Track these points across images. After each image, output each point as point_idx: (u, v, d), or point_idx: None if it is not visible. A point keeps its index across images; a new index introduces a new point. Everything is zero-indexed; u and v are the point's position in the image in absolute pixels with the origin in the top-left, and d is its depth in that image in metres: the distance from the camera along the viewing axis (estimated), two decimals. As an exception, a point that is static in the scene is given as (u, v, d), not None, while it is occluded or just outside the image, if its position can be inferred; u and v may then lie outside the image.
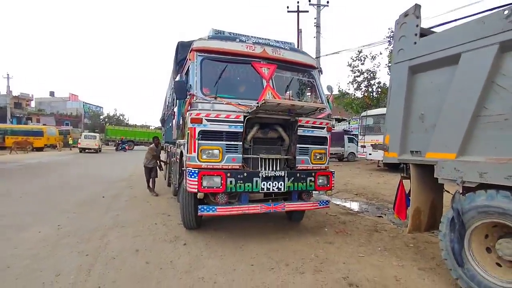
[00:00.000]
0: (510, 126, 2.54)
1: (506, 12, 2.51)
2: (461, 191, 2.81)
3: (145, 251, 3.78)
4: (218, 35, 4.52)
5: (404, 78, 3.43)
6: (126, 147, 32.33)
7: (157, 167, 8.00)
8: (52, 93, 56.47)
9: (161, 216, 5.47)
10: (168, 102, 8.12)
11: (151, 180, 7.75)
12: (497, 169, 2.52)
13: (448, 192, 3.45)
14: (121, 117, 54.60)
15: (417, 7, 3.31)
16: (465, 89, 2.80)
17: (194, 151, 3.89)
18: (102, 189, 8.23)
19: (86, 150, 26.43)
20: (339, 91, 20.60)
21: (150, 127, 52.79)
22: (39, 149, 26.22)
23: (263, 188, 4.02)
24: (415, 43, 3.31)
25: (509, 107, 2.53)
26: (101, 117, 53.73)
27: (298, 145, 4.36)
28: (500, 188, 2.52)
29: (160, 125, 20.43)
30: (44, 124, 35.29)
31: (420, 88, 3.35)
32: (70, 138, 31.29)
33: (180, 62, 5.78)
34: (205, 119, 3.91)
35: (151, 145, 8.06)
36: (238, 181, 3.89)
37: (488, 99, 2.67)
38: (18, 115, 41.64)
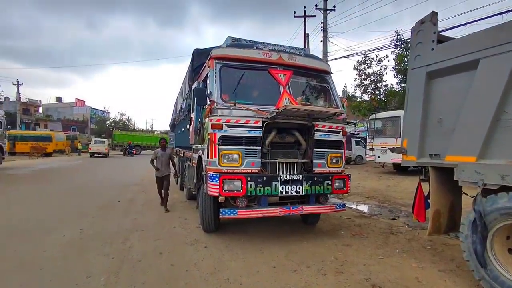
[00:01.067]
0: (530, 129, 2.61)
1: (525, 19, 2.59)
2: (481, 194, 2.87)
3: (169, 253, 3.88)
4: (236, 43, 4.65)
5: (421, 84, 3.51)
6: (134, 151, 32.64)
7: (172, 175, 6.84)
8: (59, 99, 57.36)
9: (178, 220, 5.58)
10: (181, 107, 8.26)
11: (163, 192, 6.57)
12: (518, 171, 2.59)
13: (466, 194, 3.51)
14: (127, 122, 55.14)
15: (434, 14, 3.40)
16: (484, 93, 2.87)
17: (215, 156, 4.00)
18: (117, 193, 8.37)
19: (95, 155, 27.03)
20: (346, 94, 20.67)
21: (156, 132, 53.20)
22: (48, 155, 26.64)
23: (282, 192, 4.12)
24: (433, 49, 3.39)
25: (529, 111, 2.60)
26: (107, 122, 54.32)
27: (314, 149, 4.45)
28: (522, 190, 2.58)
29: (167, 129, 20.73)
30: (51, 130, 35.82)
31: (437, 93, 3.42)
32: (79, 144, 31.77)
33: (196, 69, 5.93)
34: (225, 125, 4.02)
35: (157, 150, 6.73)
36: (258, 185, 3.99)
37: (507, 103, 2.74)
38: (26, 121, 42.32)
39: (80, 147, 31.31)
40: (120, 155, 32.01)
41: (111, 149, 33.28)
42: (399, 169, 13.76)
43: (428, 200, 3.59)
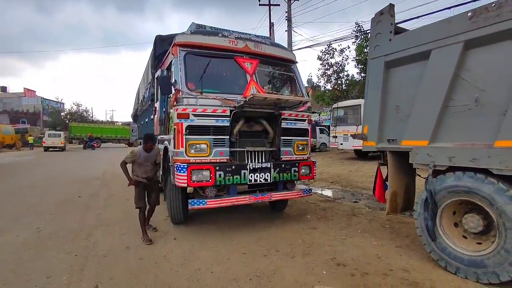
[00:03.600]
0: (473, 115, 2.89)
1: (469, 13, 2.83)
2: (432, 174, 3.14)
3: (136, 247, 3.78)
4: (200, 30, 4.54)
5: (380, 73, 3.71)
6: (95, 144, 30.85)
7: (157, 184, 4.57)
8: (4, 89, 51.99)
9: (145, 213, 5.41)
10: (144, 97, 7.92)
11: (148, 207, 4.31)
12: (463, 153, 2.87)
13: (420, 176, 3.82)
14: (84, 113, 51.65)
15: (391, 6, 3.58)
16: (435, 82, 3.11)
17: (182, 146, 3.92)
18: (77, 188, 7.90)
19: (51, 149, 25.05)
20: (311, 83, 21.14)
21: (117, 123, 50.61)
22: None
23: (251, 180, 4.16)
24: (390, 40, 3.58)
25: (472, 99, 2.87)
26: (62, 113, 50.46)
27: (282, 137, 4.53)
28: (466, 169, 2.86)
29: (128, 121, 19.80)
30: (-4, 123, 32.61)
31: (395, 82, 3.64)
32: (30, 137, 29.21)
33: (158, 57, 5.69)
34: (192, 114, 3.94)
35: (137, 148, 4.27)
36: (227, 174, 3.99)
37: (454, 91, 3.00)
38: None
39: (31, 141, 28.82)
40: (78, 148, 30.11)
41: (68, 142, 31.16)
42: (360, 155, 14.52)
43: (387, 182, 3.86)
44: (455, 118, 3.01)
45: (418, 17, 8.59)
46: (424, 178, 3.28)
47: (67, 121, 41.86)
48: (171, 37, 5.14)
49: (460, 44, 2.90)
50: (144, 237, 3.99)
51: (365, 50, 16.95)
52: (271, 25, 16.75)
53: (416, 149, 3.27)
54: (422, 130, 3.24)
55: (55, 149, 25.83)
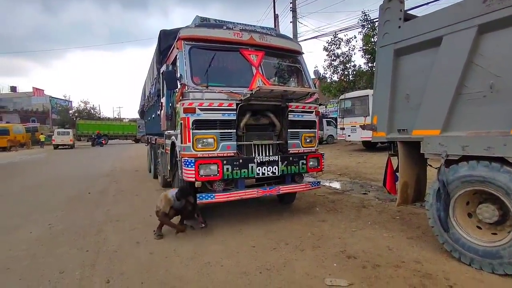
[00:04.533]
0: (487, 102, 2.79)
1: (483, -4, 2.71)
2: (444, 164, 3.06)
3: (146, 242, 3.81)
4: (205, 23, 4.48)
5: (389, 61, 3.61)
6: (103, 141, 31.22)
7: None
8: (14, 88, 52.77)
9: (153, 208, 5.44)
10: (150, 93, 7.93)
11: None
12: (477, 141, 2.78)
13: (431, 166, 3.74)
14: (92, 110, 52.18)
15: (401, -9, 3.46)
16: (447, 69, 3.01)
17: (189, 141, 3.91)
18: (86, 185, 8.00)
19: (60, 147, 25.53)
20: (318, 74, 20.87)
21: (124, 120, 51.06)
22: (4, 149, 24.74)
23: (258, 173, 4.14)
24: (400, 27, 3.47)
25: (486, 85, 2.77)
26: (71, 111, 51.06)
27: (289, 130, 4.49)
28: (480, 158, 2.78)
29: (135, 117, 19.97)
30: (8, 122, 33.19)
31: (405, 70, 3.54)
32: (41, 136, 29.68)
33: (163, 51, 5.66)
34: (198, 109, 3.92)
35: (169, 195, 4.00)
36: (234, 168, 3.97)
37: (468, 78, 2.89)
38: (-24, 113, 38.71)
39: (43, 139, 29.29)
40: (87, 146, 30.51)
41: (77, 140, 31.60)
42: (369, 146, 14.35)
43: (397, 173, 3.78)
44: (469, 105, 2.92)
45: (428, 3, 8.33)
46: (436, 168, 3.20)
47: (74, 119, 42.34)
48: (176, 31, 5.10)
49: (474, 28, 2.78)
50: (157, 231, 3.99)
51: (372, 39, 16.61)
52: (276, 16, 16.53)
53: (428, 139, 3.18)
54: (433, 119, 3.15)
55: (65, 147, 26.32)
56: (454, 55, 2.95)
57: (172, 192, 4.07)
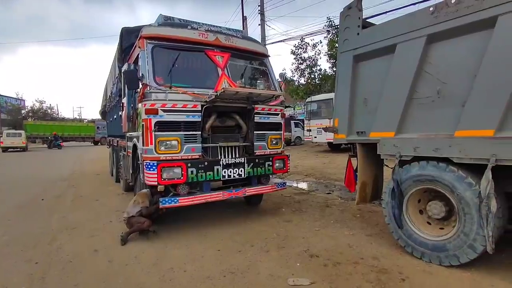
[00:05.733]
0: (435, 106, 3.02)
1: (431, 8, 2.93)
2: (398, 165, 3.26)
3: (105, 249, 3.61)
4: (168, 21, 4.37)
5: (349, 66, 3.77)
6: (61, 143, 29.21)
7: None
8: (-46, 85, 47.54)
9: (115, 213, 5.20)
10: (112, 92, 7.56)
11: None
12: (427, 143, 3.00)
13: (388, 166, 3.96)
14: (48, 110, 48.66)
15: (359, 0, 3.64)
16: (400, 75, 3.22)
17: (151, 143, 3.78)
18: (40, 190, 7.42)
19: (10, 150, 23.41)
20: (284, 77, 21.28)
21: (85, 120, 48.25)
22: None
23: (224, 176, 4.11)
24: (358, 34, 3.65)
25: (434, 91, 3.00)
26: (23, 111, 47.18)
27: (255, 132, 4.51)
28: (429, 159, 3.00)
29: (98, 117, 18.96)
30: None
31: (363, 75, 3.72)
32: None
33: (125, 50, 5.44)
34: (161, 110, 3.80)
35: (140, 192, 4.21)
36: (199, 171, 3.91)
37: (418, 84, 3.12)
38: None
39: None
40: (42, 148, 28.36)
41: (31, 142, 29.26)
42: (334, 148, 14.90)
43: (357, 173, 3.96)
44: (419, 109, 3.14)
45: (386, 12, 8.84)
46: (392, 168, 3.40)
47: (28, 119, 39.10)
48: (138, 29, 4.90)
49: (423, 38, 3.00)
50: (124, 235, 3.82)
51: (336, 45, 17.29)
52: (244, 18, 16.60)
53: (384, 141, 3.37)
54: (389, 122, 3.34)
55: (16, 149, 24.20)
56: (407, 62, 3.16)
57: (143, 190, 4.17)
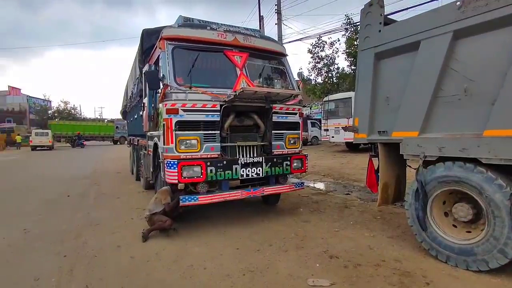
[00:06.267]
0: (462, 105, 2.90)
1: (458, 3, 2.82)
2: (422, 165, 3.16)
3: (127, 246, 3.72)
4: (188, 22, 4.43)
5: (370, 64, 3.69)
6: (84, 142, 30.32)
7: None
8: (-13, 87, 50.43)
9: (136, 211, 5.34)
10: (132, 93, 7.76)
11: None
12: (453, 143, 2.89)
13: (410, 167, 3.85)
14: (72, 110, 50.65)
15: (380, -3, 3.55)
16: (424, 73, 3.11)
17: (172, 142, 3.86)
18: (65, 188, 7.73)
19: (38, 148, 24.63)
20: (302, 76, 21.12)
21: (106, 120, 49.83)
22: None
23: (243, 175, 4.13)
24: (380, 31, 3.56)
25: (461, 89, 2.88)
26: (50, 111, 49.35)
27: (273, 131, 4.51)
28: (455, 159, 2.89)
29: (119, 117, 19.60)
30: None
31: (385, 73, 3.63)
32: (18, 136, 28.48)
33: (146, 51, 5.57)
34: (181, 109, 3.87)
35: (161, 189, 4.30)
36: (218, 170, 3.95)
37: (444, 81, 3.00)
38: None
39: (19, 140, 28.10)
40: (65, 147, 29.55)
41: (57, 141, 30.56)
42: (352, 148, 14.63)
43: (378, 174, 3.87)
44: (445, 108, 3.02)
45: (407, 8, 8.61)
46: (415, 169, 3.29)
47: (47, 119, 40.71)
48: (158, 30, 5.02)
49: (449, 34, 2.89)
50: (146, 232, 3.92)
51: (355, 42, 16.97)
52: (261, 18, 16.59)
53: (407, 140, 3.28)
54: (412, 121, 3.24)
55: (43, 148, 25.39)
56: (431, 59, 3.05)
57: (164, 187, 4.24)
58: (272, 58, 5.01)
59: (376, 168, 3.97)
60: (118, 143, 33.92)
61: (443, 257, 2.99)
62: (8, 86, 49.64)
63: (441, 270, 2.87)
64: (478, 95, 2.78)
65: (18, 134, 29.25)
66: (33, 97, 50.88)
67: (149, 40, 5.59)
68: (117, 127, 35.13)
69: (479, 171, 2.71)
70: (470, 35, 2.82)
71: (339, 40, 19.10)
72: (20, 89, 50.23)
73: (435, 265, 2.98)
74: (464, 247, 2.85)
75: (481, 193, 2.69)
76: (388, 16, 3.98)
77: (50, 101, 52.73)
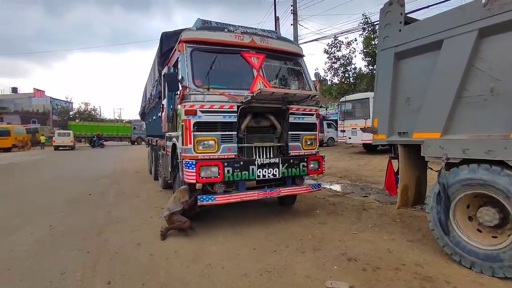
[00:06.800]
0: (488, 105, 2.80)
1: (483, 1, 2.73)
2: (445, 167, 3.07)
3: (147, 244, 3.81)
4: (206, 25, 4.50)
5: (390, 64, 3.63)
6: (104, 142, 31.20)
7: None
8: (15, 90, 52.93)
9: (155, 210, 5.47)
10: (151, 94, 7.95)
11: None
12: (478, 145, 2.79)
13: (431, 169, 3.75)
14: (92, 111, 52.31)
15: (401, -5, 3.48)
16: (448, 72, 3.03)
17: (190, 143, 3.93)
18: (87, 186, 8.01)
19: (60, 148, 25.69)
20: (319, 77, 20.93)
21: (124, 121, 51.11)
22: (7, 150, 24.83)
23: (259, 176, 4.15)
24: (400, 30, 3.49)
25: (487, 88, 2.78)
26: (71, 113, 51.18)
27: (290, 132, 4.50)
28: (480, 162, 2.79)
29: (137, 118, 20.16)
30: (9, 123, 33.24)
31: (405, 73, 3.55)
32: (42, 137, 29.72)
33: (165, 54, 5.69)
34: (200, 111, 3.94)
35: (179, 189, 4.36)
36: (235, 170, 3.98)
37: (468, 81, 2.91)
38: (-23, 114, 38.79)
39: (43, 140, 29.32)
40: (85, 147, 30.55)
41: (77, 141, 31.64)
42: (369, 149, 14.36)
43: (398, 176, 3.79)
44: (469, 109, 2.93)
45: (428, 6, 8.38)
46: (436, 171, 3.21)
47: (67, 120, 41.92)
48: (177, 33, 5.13)
49: (474, 32, 2.80)
50: (164, 230, 4.02)
51: (373, 42, 16.67)
52: (277, 19, 16.60)
53: (428, 142, 3.19)
54: (434, 122, 3.16)
55: (65, 148, 26.40)
56: (455, 58, 2.96)
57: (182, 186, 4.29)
58: (289, 59, 5.01)
59: (395, 170, 3.89)
60: (136, 143, 34.71)
61: (467, 262, 2.89)
62: (33, 88, 51.86)
63: (465, 276, 2.78)
64: (505, 95, 2.68)
65: (42, 135, 30.49)
66: (56, 99, 52.93)
67: (168, 43, 5.72)
68: (134, 127, 35.94)
69: (506, 174, 2.60)
70: (496, 33, 2.72)
71: (356, 40, 18.78)
72: (44, 91, 52.35)
73: (458, 270, 2.89)
74: (490, 252, 2.75)
75: (508, 197, 2.59)
76: (408, 15, 3.89)
77: (72, 103, 54.71)
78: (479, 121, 2.86)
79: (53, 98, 52.22)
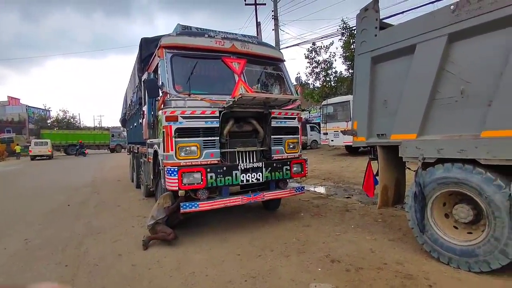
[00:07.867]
0: (459, 107, 2.93)
1: (452, 7, 2.87)
2: (422, 167, 3.17)
3: (129, 254, 3.71)
4: (186, 31, 4.48)
5: (367, 68, 3.73)
6: (86, 151, 30.15)
7: None
8: (-14, 98, 50.52)
9: (137, 219, 5.33)
10: (132, 101, 7.80)
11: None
12: (451, 144, 2.91)
13: (410, 169, 3.86)
14: (71, 119, 50.66)
15: (376, 2, 3.61)
16: (421, 75, 3.15)
17: (172, 150, 3.87)
18: (66, 197, 7.72)
19: (38, 158, 24.62)
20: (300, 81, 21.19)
21: (103, 129, 49.78)
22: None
23: (243, 180, 4.14)
24: (376, 35, 3.61)
25: (458, 91, 2.91)
26: (49, 121, 49.37)
27: (272, 136, 4.53)
28: (454, 161, 2.90)
29: (118, 125, 19.73)
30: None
31: (382, 77, 3.67)
32: (17, 146, 28.37)
33: (145, 59, 5.62)
34: (181, 117, 3.90)
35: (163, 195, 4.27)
36: (218, 176, 3.96)
37: (440, 84, 3.04)
38: None
39: (19, 150, 28.02)
40: (63, 156, 29.48)
41: (56, 150, 30.46)
42: (351, 151, 14.64)
43: (377, 177, 3.88)
44: (442, 110, 3.05)
45: (403, 12, 8.70)
46: (414, 171, 3.31)
47: (39, 128, 40.06)
48: (157, 39, 5.07)
49: (444, 37, 2.94)
50: (146, 239, 3.91)
51: (352, 46, 17.09)
52: (258, 24, 16.76)
53: (405, 143, 3.30)
54: (410, 124, 3.27)
55: (42, 157, 25.38)
56: (427, 62, 3.09)
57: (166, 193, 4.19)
58: (270, 63, 5.06)
59: (375, 172, 3.99)
60: (115, 151, 33.73)
61: (445, 259, 2.99)
62: (7, 96, 49.77)
63: (443, 272, 2.87)
64: (475, 96, 2.81)
65: (18, 144, 29.16)
66: (33, 107, 50.92)
67: (148, 48, 5.65)
68: (112, 135, 34.91)
69: (478, 172, 2.72)
70: (465, 37, 2.86)
71: (332, 43, 19.18)
72: (19, 99, 50.40)
73: (437, 267, 2.98)
74: (466, 248, 2.85)
75: (481, 194, 2.70)
76: (384, 20, 4.03)
77: (49, 111, 52.78)
78: (451, 121, 2.98)
79: (29, 106, 50.21)
